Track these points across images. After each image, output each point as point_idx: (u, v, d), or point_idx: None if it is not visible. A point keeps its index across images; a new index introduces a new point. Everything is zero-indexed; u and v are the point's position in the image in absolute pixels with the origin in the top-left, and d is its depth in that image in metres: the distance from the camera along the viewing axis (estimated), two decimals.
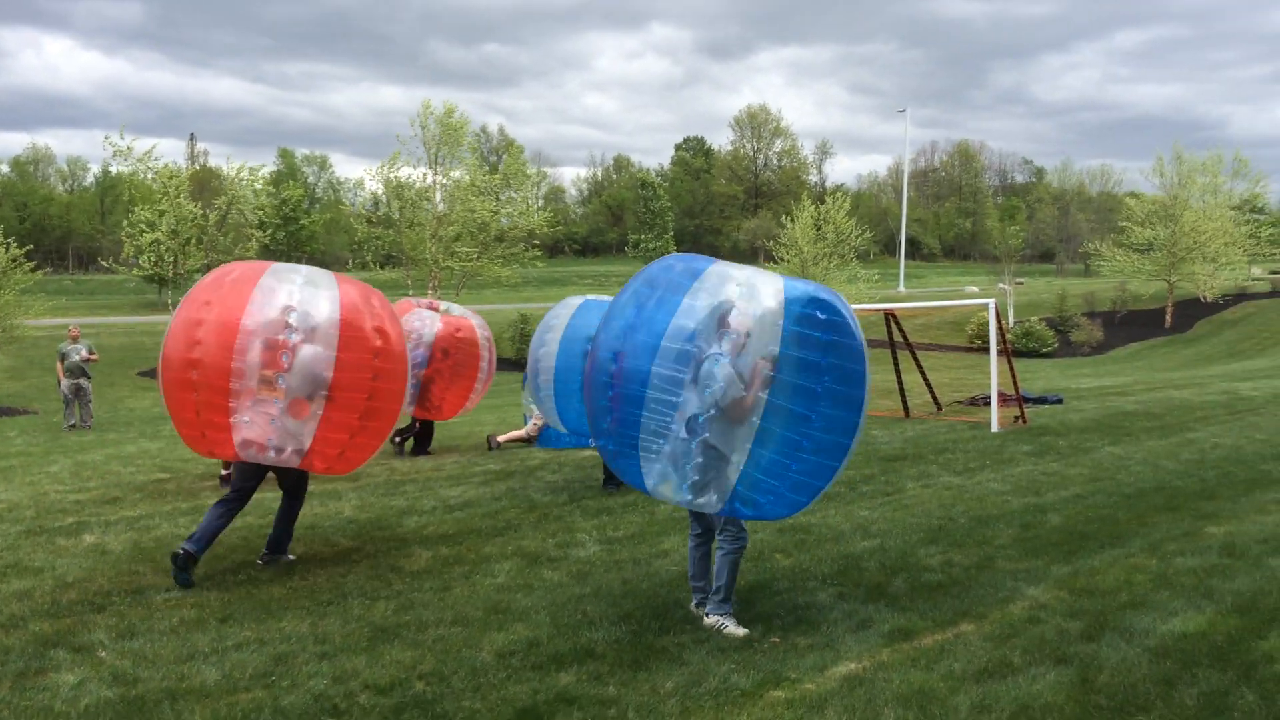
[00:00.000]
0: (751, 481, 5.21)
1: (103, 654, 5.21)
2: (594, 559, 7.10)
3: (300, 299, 6.41)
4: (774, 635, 5.40)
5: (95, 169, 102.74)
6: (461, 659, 5.08)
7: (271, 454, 6.39)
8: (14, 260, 23.06)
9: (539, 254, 35.31)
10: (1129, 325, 41.36)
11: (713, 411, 5.13)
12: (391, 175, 32.07)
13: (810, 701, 4.52)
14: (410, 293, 32.84)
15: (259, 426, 6.31)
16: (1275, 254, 39.61)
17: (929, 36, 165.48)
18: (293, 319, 6.34)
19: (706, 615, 5.63)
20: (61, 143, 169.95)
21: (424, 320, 11.61)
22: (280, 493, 7.34)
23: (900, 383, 16.29)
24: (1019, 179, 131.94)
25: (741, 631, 5.44)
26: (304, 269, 6.79)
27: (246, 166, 30.12)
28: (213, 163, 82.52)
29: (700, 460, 5.18)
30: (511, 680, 4.82)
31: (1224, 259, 38.98)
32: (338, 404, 6.42)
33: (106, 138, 27.83)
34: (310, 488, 9.86)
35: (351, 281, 6.90)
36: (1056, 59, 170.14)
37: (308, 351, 6.31)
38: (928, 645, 5.21)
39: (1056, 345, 37.68)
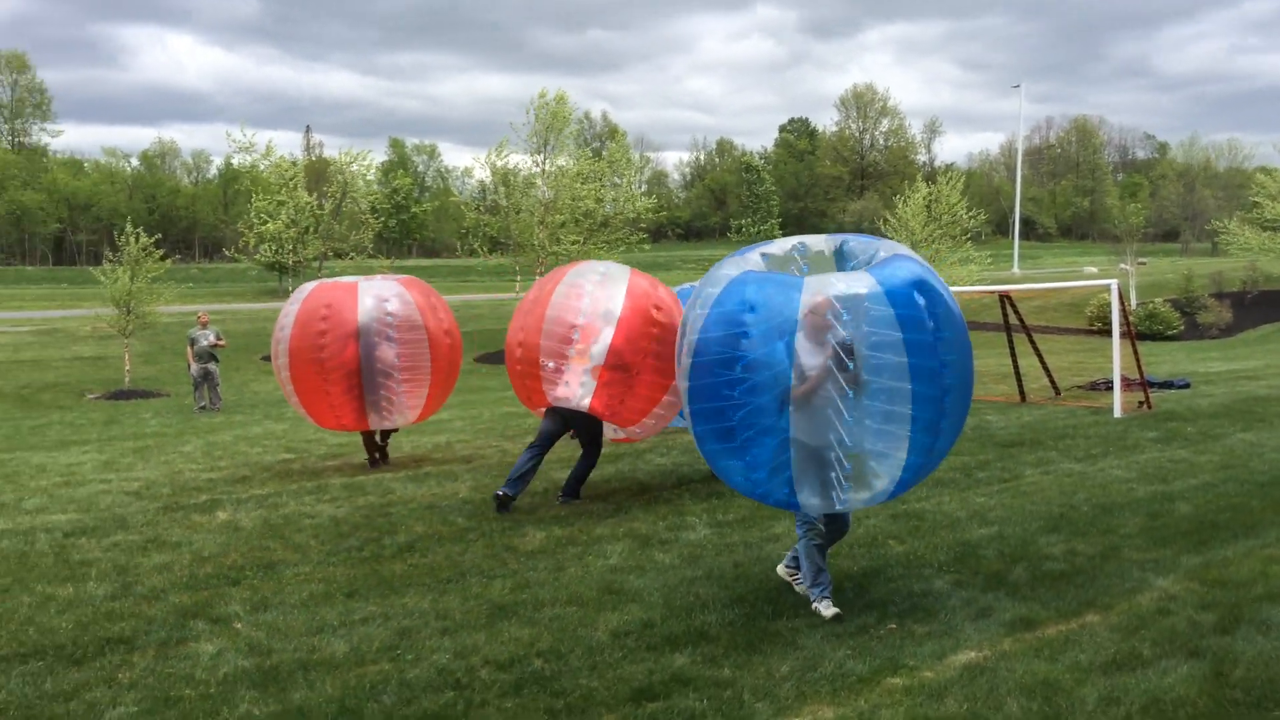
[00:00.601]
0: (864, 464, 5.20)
1: (238, 625, 5.46)
2: (705, 542, 7.13)
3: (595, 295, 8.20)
4: (890, 622, 5.34)
5: (218, 162, 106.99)
6: (578, 638, 5.17)
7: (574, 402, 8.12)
8: (145, 250, 24.16)
9: (644, 239, 35.45)
10: (1260, 306, 39.34)
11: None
12: (499, 163, 32.58)
13: (929, 689, 4.45)
14: (518, 280, 33.41)
15: (570, 386, 8.09)
16: None
17: (1044, 8, 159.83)
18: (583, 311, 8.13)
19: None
20: (186, 136, 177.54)
21: None
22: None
23: (1016, 366, 15.85)
24: (1140, 155, 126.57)
25: (829, 611, 5.41)
26: (601, 266, 8.63)
27: (354, 153, 30.83)
28: (327, 154, 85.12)
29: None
30: (627, 660, 4.88)
31: None
32: (620, 370, 8.09)
33: (229, 134, 28.95)
34: (428, 469, 10.15)
35: (640, 274, 8.57)
36: (1181, 29, 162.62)
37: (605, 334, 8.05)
38: (1051, 635, 5.07)
39: (1182, 328, 36.07)
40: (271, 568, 6.59)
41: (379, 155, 30.75)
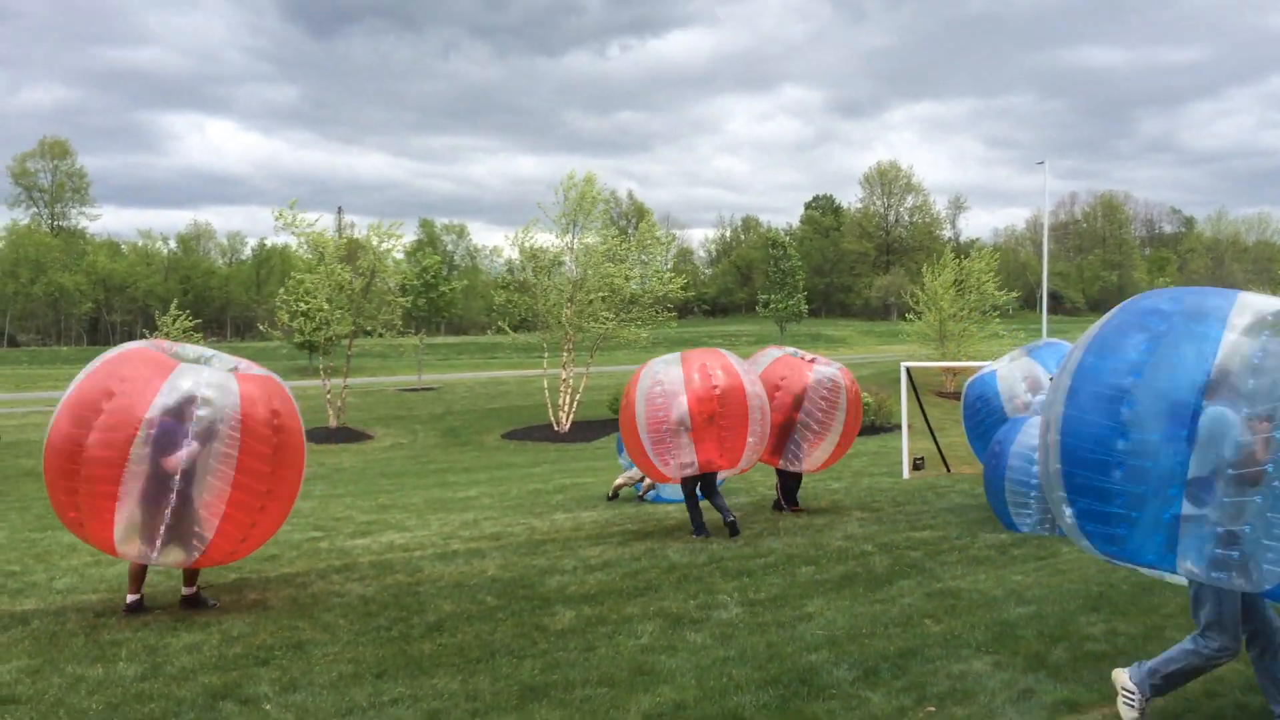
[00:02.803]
0: None
1: (268, 707, 5.42)
2: (737, 621, 7.03)
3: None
4: (929, 704, 5.22)
5: (253, 243, 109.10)
6: None
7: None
8: (185, 332, 24.65)
9: (672, 316, 35.68)
10: None
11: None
12: (527, 243, 33.04)
13: None
14: (545, 357, 33.60)
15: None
16: None
17: (1070, 86, 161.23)
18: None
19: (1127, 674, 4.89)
20: (221, 219, 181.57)
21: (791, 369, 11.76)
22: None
23: None
24: (1167, 229, 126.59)
25: (1131, 715, 4.78)
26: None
27: (384, 229, 31.33)
28: (360, 234, 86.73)
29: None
30: None
31: None
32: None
33: (277, 213, 29.31)
34: (455, 547, 10.13)
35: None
36: (1207, 105, 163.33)
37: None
38: (1095, 719, 4.94)
39: None
40: (300, 648, 6.56)
41: (409, 235, 31.35)
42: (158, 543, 7.07)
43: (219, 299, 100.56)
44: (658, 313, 34.55)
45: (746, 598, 7.71)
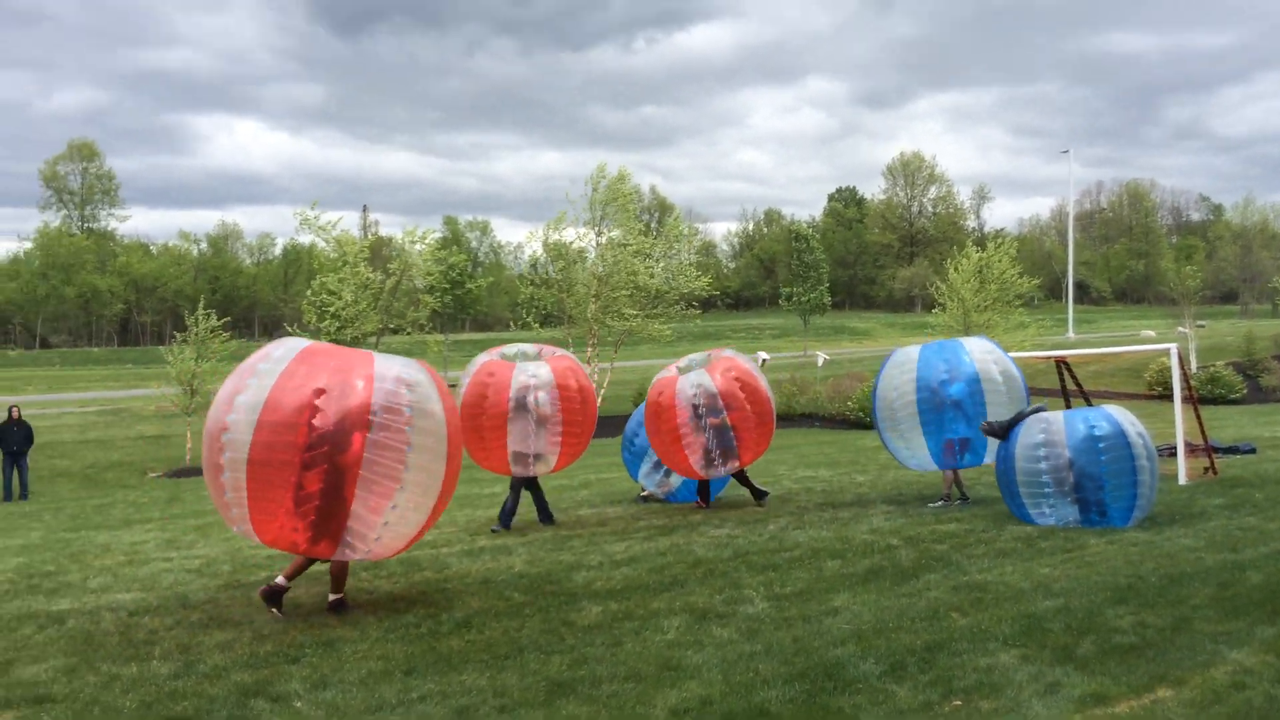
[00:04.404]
0: None
1: (299, 704, 5.49)
2: (763, 615, 7.05)
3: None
4: (955, 698, 5.22)
5: (281, 242, 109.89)
6: (637, 716, 5.12)
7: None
8: (212, 330, 24.95)
9: (697, 311, 35.66)
10: None
11: None
12: (553, 237, 33.12)
13: None
14: (571, 347, 33.72)
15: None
16: None
17: (1097, 74, 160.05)
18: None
19: None
20: (249, 218, 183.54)
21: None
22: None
23: None
24: (1195, 217, 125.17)
25: None
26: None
27: (416, 232, 31.57)
28: (384, 232, 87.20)
29: None
30: None
31: None
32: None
33: (299, 214, 29.54)
34: (482, 544, 10.20)
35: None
36: (1236, 91, 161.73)
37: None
38: (1124, 712, 4.93)
39: (1245, 391, 35.19)
40: (330, 645, 6.63)
41: (435, 232, 31.37)
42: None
43: (246, 298, 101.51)
44: (683, 309, 34.56)
45: (772, 592, 7.72)
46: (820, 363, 45.26)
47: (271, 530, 6.93)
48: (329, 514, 6.85)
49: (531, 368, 11.05)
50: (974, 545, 9.27)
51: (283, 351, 7.22)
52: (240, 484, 6.80)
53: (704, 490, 12.33)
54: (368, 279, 29.03)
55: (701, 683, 5.60)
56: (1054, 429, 9.96)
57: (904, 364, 11.86)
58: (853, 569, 8.44)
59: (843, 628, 6.63)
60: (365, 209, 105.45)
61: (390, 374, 7.09)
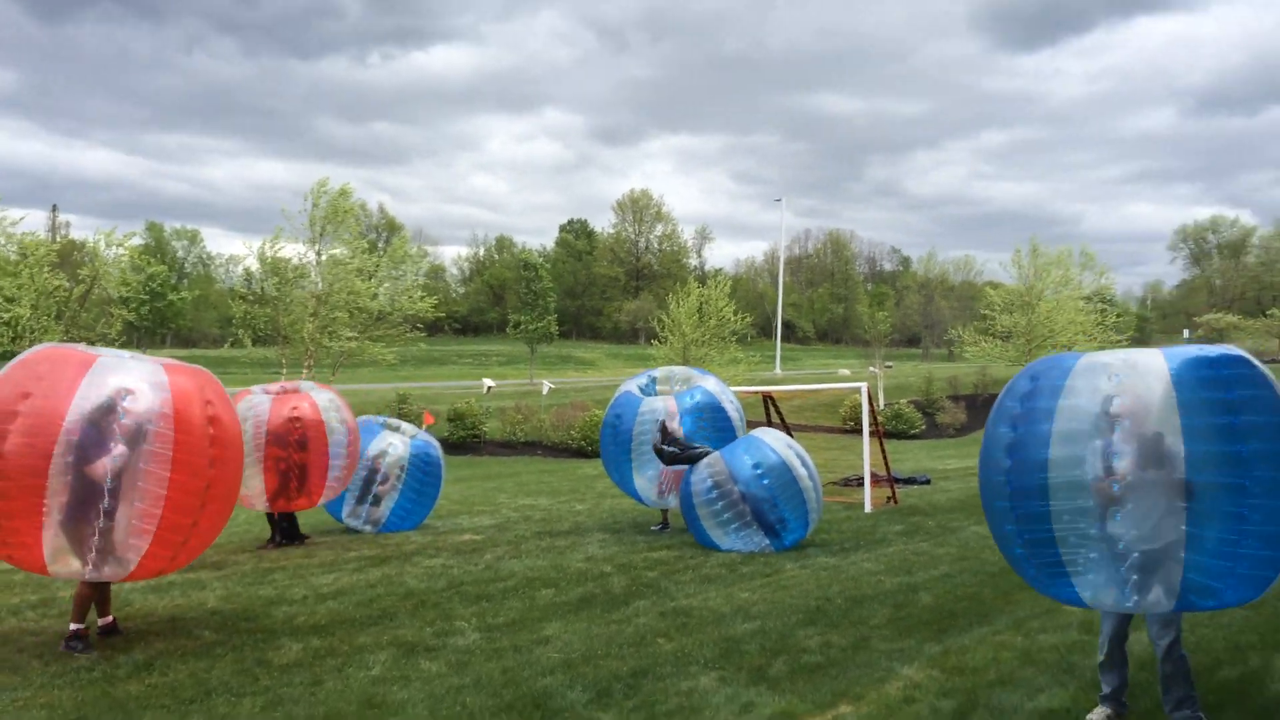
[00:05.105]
0: (1202, 568, 4.77)
1: None
2: (473, 648, 6.95)
3: None
4: None
5: None
6: None
7: None
8: None
9: (421, 335, 34.92)
10: (990, 407, 43.13)
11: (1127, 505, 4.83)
12: (271, 253, 31.40)
13: None
14: (283, 373, 32.03)
15: None
16: (1120, 340, 41.97)
17: (811, 130, 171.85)
18: None
19: None
20: None
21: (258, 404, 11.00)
22: None
23: None
24: (887, 267, 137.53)
25: None
26: None
27: (112, 235, 28.64)
28: (76, 234, 79.46)
29: (1136, 557, 4.84)
30: None
31: (1076, 345, 41.23)
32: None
33: None
34: (172, 578, 9.43)
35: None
36: (927, 155, 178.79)
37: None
38: None
39: (924, 427, 39.01)
40: None
41: (135, 237, 28.34)
42: (90, 557, 6.40)
43: None
44: (406, 331, 33.79)
45: (485, 623, 7.64)
46: (545, 391, 45.64)
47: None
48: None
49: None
50: (682, 571, 9.62)
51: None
52: None
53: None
54: (54, 286, 26.25)
55: (406, 719, 5.44)
56: (719, 469, 10.72)
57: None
58: (565, 597, 8.52)
59: (553, 656, 6.66)
60: (55, 208, 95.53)
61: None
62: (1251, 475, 4.63)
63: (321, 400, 11.14)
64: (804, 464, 10.86)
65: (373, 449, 12.30)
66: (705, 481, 10.79)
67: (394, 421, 13.39)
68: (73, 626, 6.92)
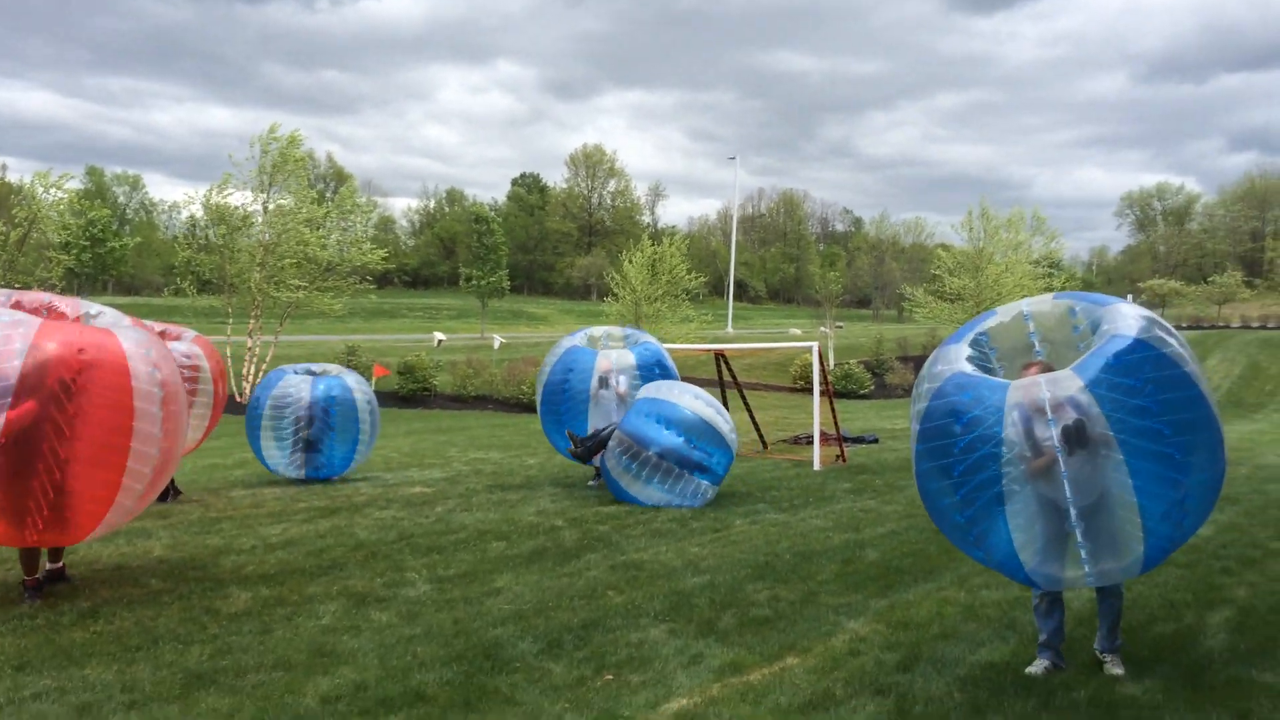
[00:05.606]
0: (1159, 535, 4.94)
1: None
2: (424, 598, 6.96)
3: None
4: (607, 672, 5.43)
5: None
6: (284, 705, 4.88)
7: None
8: None
9: (371, 287, 34.48)
10: None
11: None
12: (218, 200, 30.73)
13: None
14: (230, 322, 31.52)
15: None
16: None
17: (767, 88, 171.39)
18: None
19: (1111, 664, 5.49)
20: None
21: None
22: None
23: None
24: (839, 228, 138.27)
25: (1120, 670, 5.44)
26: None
27: (49, 177, 27.77)
28: (13, 178, 77.02)
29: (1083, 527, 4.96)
30: None
31: None
32: None
33: None
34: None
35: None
36: (882, 116, 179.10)
37: None
38: (756, 680, 5.34)
39: (873, 387, 39.49)
40: None
41: (73, 180, 27.49)
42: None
43: None
44: (355, 283, 33.39)
45: (435, 575, 7.65)
46: (496, 346, 45.45)
47: None
48: None
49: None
50: (633, 526, 9.69)
51: None
52: None
53: None
54: None
55: (356, 668, 5.44)
56: (627, 444, 10.91)
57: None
58: (517, 550, 8.55)
59: (503, 608, 6.70)
60: None
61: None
62: (1174, 443, 4.80)
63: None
64: (708, 404, 11.15)
65: (277, 395, 12.08)
66: (621, 460, 10.90)
67: (317, 366, 12.96)
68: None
